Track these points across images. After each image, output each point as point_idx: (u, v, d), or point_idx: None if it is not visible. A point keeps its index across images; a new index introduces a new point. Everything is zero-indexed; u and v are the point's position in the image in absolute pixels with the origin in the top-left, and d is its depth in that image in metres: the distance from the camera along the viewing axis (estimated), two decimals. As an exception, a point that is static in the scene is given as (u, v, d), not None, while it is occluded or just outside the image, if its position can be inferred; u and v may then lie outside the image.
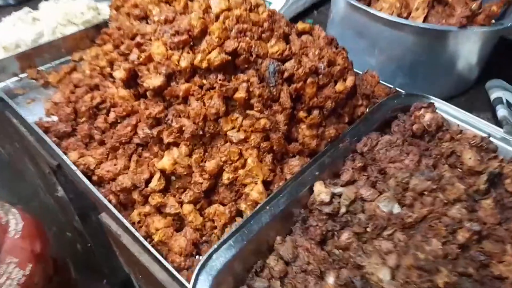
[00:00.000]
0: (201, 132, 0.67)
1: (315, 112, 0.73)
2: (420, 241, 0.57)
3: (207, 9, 0.71)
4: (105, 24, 1.10)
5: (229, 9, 0.71)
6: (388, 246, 0.57)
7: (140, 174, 0.68)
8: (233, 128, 0.68)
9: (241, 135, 0.66)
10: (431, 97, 0.81)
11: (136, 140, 0.71)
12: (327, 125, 0.74)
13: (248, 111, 0.67)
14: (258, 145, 0.66)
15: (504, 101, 0.89)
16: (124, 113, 0.73)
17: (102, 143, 0.75)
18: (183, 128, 0.67)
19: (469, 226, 0.58)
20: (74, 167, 0.71)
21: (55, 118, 0.87)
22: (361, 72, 0.90)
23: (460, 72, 0.96)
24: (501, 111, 0.85)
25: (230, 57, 0.66)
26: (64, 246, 1.33)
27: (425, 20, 0.99)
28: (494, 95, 0.93)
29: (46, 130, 0.79)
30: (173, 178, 0.70)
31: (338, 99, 0.74)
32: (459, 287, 0.52)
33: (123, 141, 0.71)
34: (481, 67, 0.98)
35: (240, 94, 0.65)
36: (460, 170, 0.68)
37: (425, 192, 0.63)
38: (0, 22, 1.14)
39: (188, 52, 0.68)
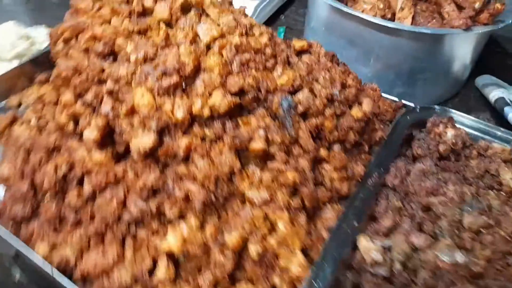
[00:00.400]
0: (213, 198, 0.53)
1: (336, 148, 0.62)
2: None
3: (194, 39, 0.57)
4: (43, 56, 0.90)
5: (222, 35, 0.57)
6: (464, 307, 0.49)
7: (141, 262, 0.53)
8: (251, 185, 0.55)
9: (264, 195, 0.53)
10: (448, 109, 0.74)
11: (126, 217, 0.55)
12: (351, 161, 0.63)
13: (269, 164, 0.54)
14: (287, 206, 0.54)
15: (508, 101, 0.85)
16: (104, 184, 0.56)
17: (78, 223, 0.58)
18: (191, 196, 0.52)
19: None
20: (46, 266, 0.54)
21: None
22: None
23: (455, 74, 0.91)
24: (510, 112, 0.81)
25: (239, 99, 0.53)
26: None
27: (412, 20, 0.92)
28: (492, 94, 0.89)
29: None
30: (183, 260, 0.55)
31: (358, 129, 0.63)
32: None
33: (110, 222, 0.54)
34: (472, 66, 0.94)
35: (258, 145, 0.52)
36: (504, 194, 0.62)
37: (482, 230, 0.56)
38: None
39: (181, 97, 0.53)
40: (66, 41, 0.70)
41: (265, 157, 0.55)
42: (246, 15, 0.63)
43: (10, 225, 0.60)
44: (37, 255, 0.55)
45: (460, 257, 0.53)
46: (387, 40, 0.82)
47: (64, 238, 0.57)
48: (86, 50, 0.63)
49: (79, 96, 0.60)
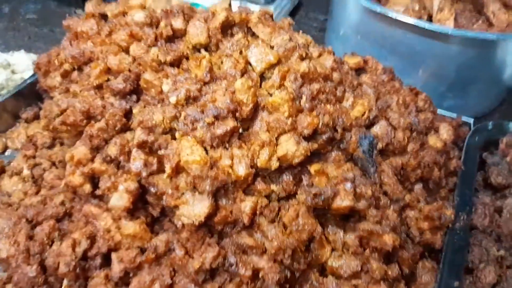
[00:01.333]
0: (289, 274, 0.41)
1: (418, 188, 0.51)
2: None
3: (246, 68, 0.44)
4: (29, 87, 0.75)
5: (279, 61, 0.45)
6: None
7: None
8: (333, 250, 0.43)
9: (354, 263, 0.42)
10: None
11: (174, 305, 0.42)
12: (437, 205, 0.52)
13: (361, 225, 0.42)
14: (384, 275, 0.42)
15: None
16: (139, 261, 0.43)
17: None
18: (260, 275, 0.40)
19: None
20: None
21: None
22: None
23: (505, 82, 0.81)
24: None
25: (316, 146, 0.41)
26: None
27: (454, 22, 0.82)
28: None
29: (-6, 310, 0.46)
30: None
31: (442, 163, 0.52)
32: None
33: (155, 313, 0.41)
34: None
35: (345, 202, 0.40)
36: None
37: None
38: None
39: (240, 147, 0.41)
40: (65, 75, 0.56)
41: (348, 216, 0.43)
42: (302, 34, 0.50)
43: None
44: None
45: None
46: (436, 47, 0.71)
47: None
48: (99, 87, 0.49)
49: (96, 149, 0.46)
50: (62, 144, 0.66)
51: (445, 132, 0.55)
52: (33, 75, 0.81)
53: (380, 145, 0.47)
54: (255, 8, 0.88)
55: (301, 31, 0.52)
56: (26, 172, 0.65)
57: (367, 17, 0.78)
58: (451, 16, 0.83)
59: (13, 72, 0.81)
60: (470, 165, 0.60)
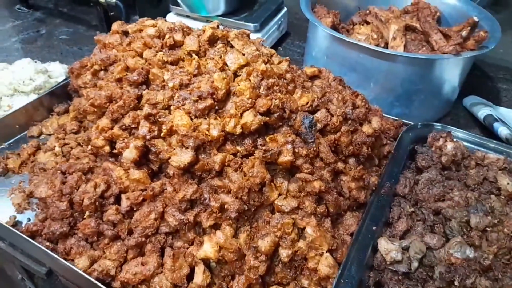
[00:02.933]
0: (245, 208, 0.58)
1: (352, 161, 0.68)
2: (501, 281, 0.55)
3: (223, 67, 0.64)
4: (60, 88, 0.95)
5: (247, 64, 0.64)
6: (479, 297, 0.54)
7: (179, 269, 0.57)
8: (279, 195, 0.60)
9: (293, 203, 0.59)
10: (445, 125, 0.82)
11: (164, 229, 0.59)
12: (369, 173, 0.69)
13: (297, 175, 0.60)
14: (314, 212, 0.59)
15: (496, 117, 0.94)
16: (141, 199, 0.60)
17: (115, 238, 0.61)
18: (226, 206, 0.57)
19: (543, 256, 0.57)
20: (85, 275, 0.57)
21: (28, 212, 0.71)
22: (360, 107, 0.88)
23: (446, 95, 1.00)
24: (502, 130, 0.89)
25: (267, 118, 0.59)
26: None
27: (404, 48, 1.02)
28: (481, 112, 0.98)
29: (34, 235, 0.63)
30: (213, 265, 0.59)
31: (371, 144, 0.70)
32: None
33: (150, 233, 0.58)
34: (460, 88, 1.04)
35: (286, 158, 0.58)
36: (503, 198, 0.68)
37: (488, 229, 0.62)
38: None
39: (215, 118, 0.59)
40: (95, 73, 0.76)
41: (291, 169, 0.61)
42: (267, 48, 0.70)
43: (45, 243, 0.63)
44: (76, 269, 0.58)
45: (470, 253, 0.58)
46: (386, 65, 0.91)
47: (100, 252, 0.60)
48: (119, 80, 0.69)
49: (114, 121, 0.65)
50: (86, 130, 0.85)
51: (375, 123, 0.72)
52: (64, 80, 1.02)
53: (319, 126, 0.65)
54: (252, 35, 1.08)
55: (266, 46, 0.71)
56: (57, 149, 0.83)
57: (333, 43, 0.98)
58: (401, 44, 1.03)
59: (49, 77, 1.01)
60: (401, 152, 0.78)
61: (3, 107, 0.94)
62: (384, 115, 0.88)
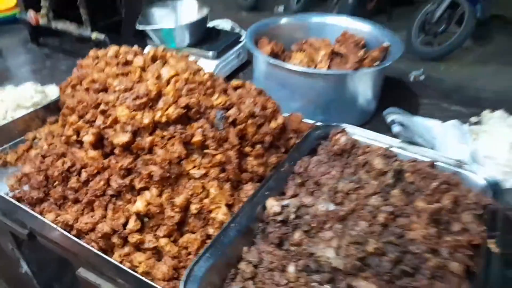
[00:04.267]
0: (167, 175, 0.80)
1: (258, 146, 0.91)
2: (352, 225, 0.74)
3: (159, 76, 0.88)
4: (53, 104, 1.21)
5: (177, 74, 0.89)
6: (330, 234, 0.73)
7: (117, 219, 0.78)
8: (194, 167, 0.83)
9: (202, 171, 0.81)
10: (344, 124, 1.04)
11: (109, 192, 0.82)
12: (268, 155, 0.91)
13: (205, 151, 0.82)
14: (217, 177, 0.81)
15: (397, 120, 1.15)
16: (96, 171, 0.83)
17: (76, 201, 0.84)
18: (152, 173, 0.80)
19: (385, 209, 0.77)
20: (53, 225, 0.79)
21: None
22: (287, 114, 1.11)
23: (361, 105, 1.22)
24: (395, 128, 1.10)
25: (184, 110, 0.83)
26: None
27: (328, 68, 1.26)
28: (389, 117, 1.20)
29: (19, 200, 0.86)
30: (145, 219, 0.81)
31: (274, 134, 0.92)
32: (385, 250, 0.69)
33: (98, 194, 0.81)
34: (377, 100, 1.26)
35: (197, 138, 0.81)
36: (372, 172, 0.89)
37: (350, 192, 0.82)
38: (-51, 113, 1.19)
39: (148, 111, 0.83)
40: (73, 87, 1.01)
41: (202, 148, 0.83)
42: (197, 65, 0.95)
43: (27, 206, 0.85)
44: (44, 220, 0.80)
45: (331, 207, 0.79)
46: (307, 82, 1.15)
47: (65, 211, 0.83)
48: (87, 89, 0.94)
49: (80, 117, 0.90)
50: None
51: (280, 119, 0.95)
52: (57, 98, 1.28)
53: (230, 119, 0.88)
54: (205, 61, 1.34)
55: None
56: (45, 147, 1.07)
57: (268, 66, 1.23)
58: (326, 65, 1.27)
59: (46, 96, 1.28)
60: (305, 144, 0.99)
61: (8, 118, 1.20)
62: (308, 120, 1.11)
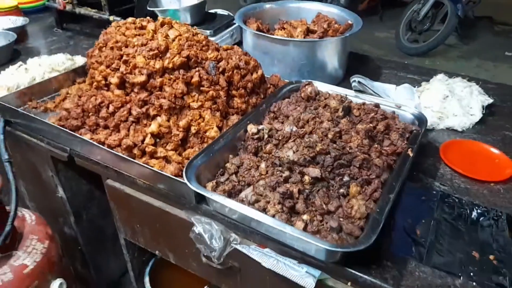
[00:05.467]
0: (173, 106, 1.09)
1: (242, 90, 1.19)
2: (307, 138, 1.02)
3: (166, 36, 1.17)
4: (81, 68, 1.49)
5: (180, 34, 1.18)
6: (291, 144, 1.02)
7: (137, 137, 1.07)
8: (193, 100, 1.11)
9: (199, 103, 1.10)
10: (311, 80, 1.32)
11: (131, 118, 1.10)
12: (251, 97, 1.20)
13: (201, 89, 1.11)
14: (210, 107, 1.10)
15: (356, 79, 1.44)
16: (120, 105, 1.12)
17: (106, 127, 1.12)
18: (162, 104, 1.08)
19: (333, 129, 1.05)
20: (90, 140, 1.07)
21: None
22: (269, 76, 1.40)
23: (330, 71, 1.51)
24: (353, 83, 1.39)
25: (185, 59, 1.12)
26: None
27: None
28: (352, 79, 1.48)
29: (62, 126, 1.15)
30: (158, 140, 1.09)
31: (254, 82, 1.21)
32: (328, 150, 0.97)
33: (122, 119, 1.09)
34: (344, 68, 1.55)
35: (195, 79, 1.10)
36: (328, 109, 1.17)
37: (310, 120, 1.10)
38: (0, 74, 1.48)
39: (159, 60, 1.12)
40: (100, 48, 1.30)
41: (200, 87, 1.12)
42: (196, 30, 1.24)
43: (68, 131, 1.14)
44: (84, 137, 1.09)
45: (294, 129, 1.07)
46: (283, 49, 1.43)
47: (99, 132, 1.11)
48: (111, 48, 1.23)
49: (107, 67, 1.19)
50: (94, 88, 1.39)
51: (259, 72, 1.24)
52: (84, 64, 1.57)
53: (220, 69, 1.17)
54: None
55: (199, 30, 1.26)
56: (76, 99, 1.37)
57: (253, 38, 1.52)
58: (301, 37, 1.56)
59: (74, 62, 1.58)
60: (280, 93, 1.28)
61: (45, 78, 1.49)
62: (282, 79, 1.40)
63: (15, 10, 2.10)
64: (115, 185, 1.14)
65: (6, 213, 1.10)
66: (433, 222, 0.93)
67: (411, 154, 1.02)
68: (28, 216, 1.25)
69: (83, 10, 1.90)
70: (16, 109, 1.23)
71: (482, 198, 1.02)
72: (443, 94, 1.35)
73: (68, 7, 1.91)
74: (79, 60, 1.62)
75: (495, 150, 1.17)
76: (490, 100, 1.39)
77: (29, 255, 1.12)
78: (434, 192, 1.03)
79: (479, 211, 0.97)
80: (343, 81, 1.58)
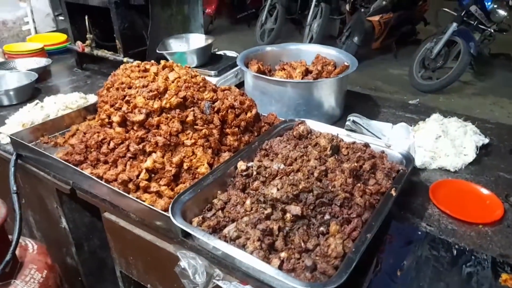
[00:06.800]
0: (168, 143, 1.15)
1: (235, 128, 1.25)
2: (293, 176, 1.06)
3: (167, 78, 1.26)
4: (92, 106, 1.60)
5: (179, 76, 1.27)
6: (277, 181, 1.05)
7: (133, 172, 1.13)
8: (187, 138, 1.18)
9: (192, 141, 1.16)
10: (305, 119, 1.37)
11: (128, 154, 1.17)
12: (243, 135, 1.26)
13: (195, 127, 1.18)
14: (202, 145, 1.16)
15: (352, 118, 1.47)
16: (120, 141, 1.20)
17: (106, 162, 1.20)
18: (158, 142, 1.15)
19: (319, 168, 1.08)
20: (89, 175, 1.14)
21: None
22: (266, 115, 1.46)
23: (326, 110, 1.55)
24: (348, 122, 1.43)
25: (182, 100, 1.19)
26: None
27: (301, 82, 1.61)
28: (348, 118, 1.52)
29: (66, 160, 1.23)
30: (153, 175, 1.15)
31: (248, 121, 1.27)
32: (311, 189, 0.99)
33: (121, 155, 1.17)
34: (341, 107, 1.59)
35: (190, 118, 1.17)
36: (317, 147, 1.21)
37: (297, 158, 1.14)
38: (17, 112, 1.61)
39: (157, 100, 1.20)
40: (108, 88, 1.41)
41: (194, 125, 1.19)
42: (195, 72, 1.33)
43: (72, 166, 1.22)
44: (84, 172, 1.16)
45: (282, 166, 1.11)
46: (280, 89, 1.50)
47: (99, 167, 1.19)
48: (117, 89, 1.33)
49: (111, 106, 1.28)
50: (102, 125, 1.49)
51: (253, 111, 1.30)
52: (95, 102, 1.68)
53: (215, 109, 1.24)
54: (209, 78, 1.73)
55: (197, 71, 1.34)
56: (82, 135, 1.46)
57: (252, 79, 1.60)
58: (299, 78, 1.62)
59: (87, 101, 1.69)
60: (273, 131, 1.33)
61: (59, 115, 1.61)
62: (280, 118, 1.45)
63: (41, 52, 2.28)
64: (112, 218, 1.19)
65: (8, 242, 1.17)
66: (415, 263, 0.93)
67: (394, 194, 1.03)
68: (31, 246, 1.32)
69: (100, 52, 2.05)
70: (27, 144, 1.32)
71: (468, 240, 1.01)
72: (435, 133, 1.36)
73: (87, 50, 2.07)
74: (92, 99, 1.73)
75: (486, 191, 1.16)
76: (486, 140, 1.39)
77: (26, 284, 1.17)
78: (420, 232, 1.03)
79: (464, 254, 0.96)
80: (340, 120, 1.62)
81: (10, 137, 1.36)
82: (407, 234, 1.01)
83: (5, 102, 1.77)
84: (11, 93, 1.77)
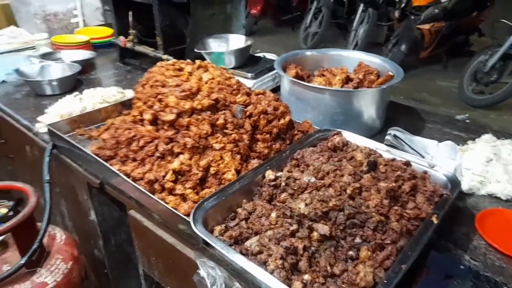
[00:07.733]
0: (197, 145, 1.12)
1: (266, 135, 1.20)
2: (323, 191, 0.99)
3: (200, 79, 1.23)
4: (128, 101, 1.61)
5: (213, 78, 1.23)
6: (306, 196, 0.99)
7: (159, 172, 1.11)
8: (216, 142, 1.14)
9: (221, 145, 1.12)
10: (339, 130, 1.29)
11: (157, 154, 1.15)
12: (274, 143, 1.20)
13: (225, 131, 1.14)
14: (231, 150, 1.11)
15: (392, 133, 1.37)
16: (149, 140, 1.18)
17: (134, 160, 1.18)
18: (186, 143, 1.12)
19: (353, 185, 1.01)
20: (117, 172, 1.14)
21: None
22: (300, 122, 1.39)
23: (365, 122, 1.46)
24: (388, 136, 1.33)
25: (214, 102, 1.16)
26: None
27: (340, 90, 1.53)
28: (388, 131, 1.42)
29: (97, 155, 1.23)
30: (179, 176, 1.13)
31: (280, 128, 1.22)
32: (343, 207, 0.92)
33: (149, 154, 1.15)
34: (381, 119, 1.50)
35: (220, 121, 1.13)
36: (353, 161, 1.13)
37: (330, 172, 1.07)
38: (57, 102, 1.65)
39: (189, 101, 1.17)
40: (143, 85, 1.40)
41: (224, 129, 1.15)
42: (230, 74, 1.29)
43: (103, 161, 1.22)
44: (112, 168, 1.15)
45: (312, 179, 1.04)
46: (317, 96, 1.43)
47: (127, 164, 1.18)
48: (152, 86, 1.32)
49: (144, 103, 1.27)
50: (135, 121, 1.49)
51: (287, 118, 1.24)
52: (131, 97, 1.69)
53: (247, 113, 1.19)
54: (245, 80, 1.70)
55: (231, 73, 1.30)
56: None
57: (289, 84, 1.54)
58: (339, 85, 1.54)
59: (124, 95, 1.70)
60: (306, 140, 1.26)
61: (96, 108, 1.63)
62: (315, 127, 1.38)
63: (86, 45, 2.35)
64: (136, 216, 1.18)
65: (36, 231, 1.19)
66: (454, 301, 0.83)
67: (435, 221, 0.94)
68: (59, 235, 1.34)
69: (141, 48, 2.07)
70: (62, 135, 1.34)
71: (518, 280, 0.90)
72: (486, 156, 1.24)
73: (129, 45, 2.10)
74: (130, 93, 1.74)
75: (542, 226, 1.04)
76: (544, 168, 1.25)
77: (51, 274, 1.19)
78: (462, 267, 0.92)
79: (512, 295, 0.85)
80: (380, 133, 1.53)
81: (47, 127, 1.39)
82: (447, 267, 0.91)
83: (48, 91, 1.83)
84: (54, 83, 1.82)
